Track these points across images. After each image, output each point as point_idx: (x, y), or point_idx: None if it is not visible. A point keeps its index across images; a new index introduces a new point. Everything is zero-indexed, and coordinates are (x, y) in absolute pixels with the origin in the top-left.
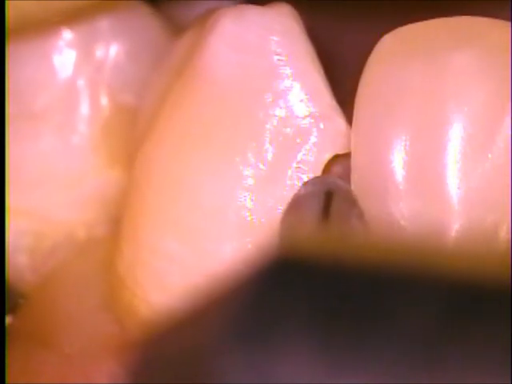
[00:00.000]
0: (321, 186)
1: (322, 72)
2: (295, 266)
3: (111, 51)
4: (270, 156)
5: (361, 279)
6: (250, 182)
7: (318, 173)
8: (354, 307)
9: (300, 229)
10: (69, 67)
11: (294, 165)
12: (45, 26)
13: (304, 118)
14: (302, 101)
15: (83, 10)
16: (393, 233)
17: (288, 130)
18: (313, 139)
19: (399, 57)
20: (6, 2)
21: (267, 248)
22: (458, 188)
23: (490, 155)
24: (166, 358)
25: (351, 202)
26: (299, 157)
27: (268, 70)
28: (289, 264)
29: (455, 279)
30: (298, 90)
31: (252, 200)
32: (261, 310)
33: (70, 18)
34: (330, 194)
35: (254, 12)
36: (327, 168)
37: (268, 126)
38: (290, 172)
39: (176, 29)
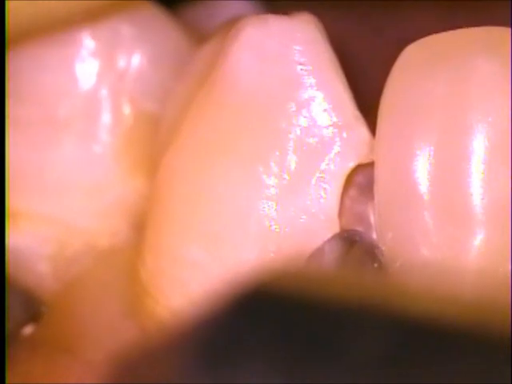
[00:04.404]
0: (344, 237)
1: (345, 81)
2: (265, 299)
3: (133, 60)
4: (292, 165)
5: (324, 315)
6: (273, 191)
7: (341, 182)
8: (314, 342)
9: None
10: (91, 76)
11: (317, 174)
12: (66, 29)
13: (327, 127)
14: (325, 110)
15: (104, 9)
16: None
17: (311, 139)
18: (336, 149)
19: (423, 66)
20: (7, 3)
21: (245, 281)
22: (482, 198)
23: None
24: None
25: (372, 255)
26: (322, 166)
27: (291, 80)
28: (260, 297)
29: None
30: (321, 99)
31: (274, 209)
32: (231, 337)
33: (91, 18)
34: (352, 244)
35: (277, 21)
36: (350, 178)
37: (291, 136)
38: (312, 181)
39: (198, 37)
